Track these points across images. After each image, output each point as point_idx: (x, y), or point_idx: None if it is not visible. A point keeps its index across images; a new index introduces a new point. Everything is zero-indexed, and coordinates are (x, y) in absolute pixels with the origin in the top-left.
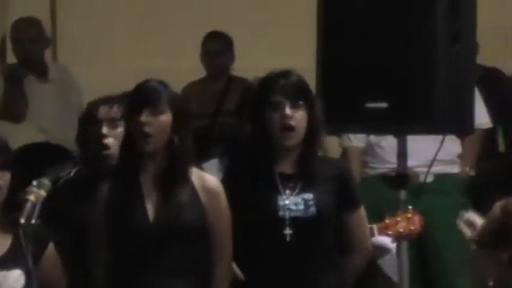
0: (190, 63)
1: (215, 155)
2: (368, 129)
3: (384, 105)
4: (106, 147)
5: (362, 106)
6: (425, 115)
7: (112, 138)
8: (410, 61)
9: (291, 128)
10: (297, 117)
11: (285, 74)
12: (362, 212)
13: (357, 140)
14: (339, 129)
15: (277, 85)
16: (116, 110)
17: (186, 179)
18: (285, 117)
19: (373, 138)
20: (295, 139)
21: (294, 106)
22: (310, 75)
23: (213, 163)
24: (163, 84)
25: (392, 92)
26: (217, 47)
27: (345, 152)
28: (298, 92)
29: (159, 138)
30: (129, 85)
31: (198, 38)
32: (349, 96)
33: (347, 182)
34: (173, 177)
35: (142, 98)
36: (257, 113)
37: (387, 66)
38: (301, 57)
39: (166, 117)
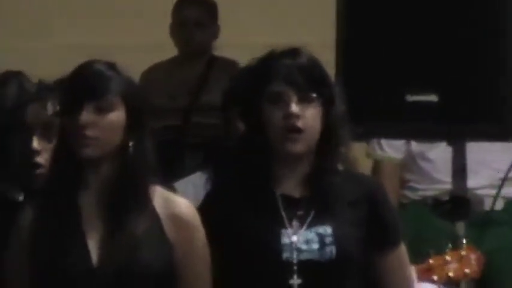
0: (155, 38)
1: (191, 168)
2: (409, 134)
3: (432, 99)
4: (37, 166)
5: (401, 100)
6: (492, 114)
7: (47, 154)
8: (470, 41)
9: (298, 130)
10: (307, 115)
11: (292, 53)
12: (402, 251)
13: (393, 149)
14: (367, 134)
15: (280, 69)
16: (51, 110)
17: (144, 202)
18: (289, 115)
19: (416, 146)
20: (302, 145)
21: (304, 100)
22: (327, 56)
23: (189, 180)
24: (113, 67)
25: (446, 82)
26: (194, 16)
27: (376, 166)
28: (310, 80)
29: (107, 145)
30: (68, 67)
31: (166, 3)
32: (382, 85)
33: (380, 209)
34: (126, 200)
35: (82, 87)
36: (251, 109)
37: (438, 46)
38: (314, 30)
39: (116, 115)
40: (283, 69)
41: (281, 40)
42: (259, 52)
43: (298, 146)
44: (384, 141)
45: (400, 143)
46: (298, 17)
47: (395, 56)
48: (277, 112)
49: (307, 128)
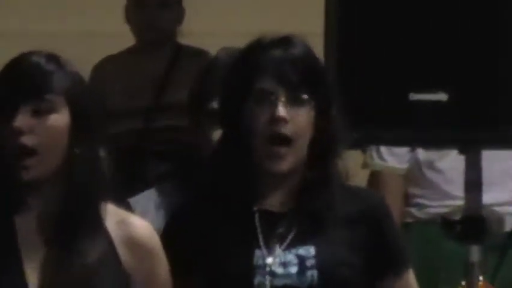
0: (108, 24)
1: (154, 181)
2: (414, 139)
3: (441, 97)
4: None
5: (403, 99)
6: None
7: None
8: (487, 29)
9: (285, 140)
10: (297, 120)
11: (283, 42)
12: (410, 279)
13: (395, 158)
14: (364, 139)
15: (266, 61)
16: None
17: (95, 224)
18: (276, 119)
19: (423, 154)
20: (289, 161)
21: (294, 101)
22: (317, 47)
23: (150, 196)
24: (54, 60)
25: (457, 77)
26: None
27: (375, 178)
28: (305, 76)
29: (48, 156)
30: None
31: None
32: (381, 82)
33: (383, 229)
34: (72, 222)
35: (16, 85)
36: (228, 110)
37: (448, 35)
38: (302, 17)
39: (59, 118)
40: (271, 61)
41: (265, 28)
42: (238, 42)
43: (285, 164)
44: (383, 149)
45: (403, 151)
46: (286, 3)
47: (396, 47)
48: (262, 115)
49: (296, 136)
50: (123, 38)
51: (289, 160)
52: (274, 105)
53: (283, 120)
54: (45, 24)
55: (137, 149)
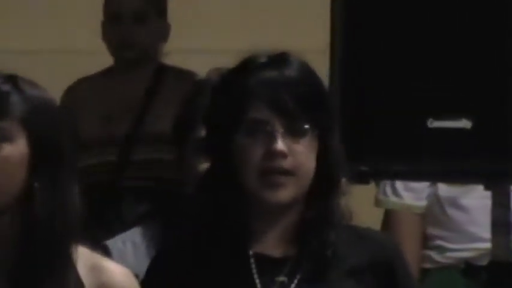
0: (81, 42)
1: (130, 221)
2: (434, 173)
3: (465, 125)
4: None
5: (422, 127)
6: None
7: None
8: None
9: (283, 172)
10: (298, 153)
11: (278, 61)
12: None
13: (412, 195)
14: (376, 173)
15: (259, 85)
16: None
17: (63, 271)
18: (273, 153)
19: (444, 190)
20: (289, 191)
21: (293, 132)
22: (319, 66)
23: (127, 238)
24: (11, 80)
25: (482, 102)
26: (132, 7)
27: (390, 217)
28: (303, 103)
29: (2, 191)
30: None
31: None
32: (395, 107)
33: (396, 280)
34: (35, 268)
35: None
36: (216, 141)
37: (470, 54)
38: (303, 32)
39: (14, 149)
40: (265, 86)
41: (260, 44)
42: (231, 60)
43: (284, 194)
44: (399, 184)
45: (421, 186)
46: (284, 16)
47: (412, 67)
48: (256, 148)
49: (297, 170)
50: (97, 55)
51: (289, 190)
52: (271, 138)
53: (281, 155)
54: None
55: (112, 184)
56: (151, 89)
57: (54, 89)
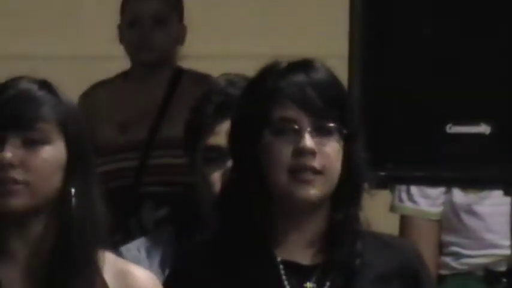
0: (100, 47)
1: (148, 229)
2: (451, 179)
3: (483, 130)
4: None
5: (439, 132)
6: None
7: None
8: None
9: (313, 171)
10: (326, 152)
11: (304, 66)
12: None
13: (428, 201)
14: (391, 179)
15: (287, 86)
16: None
17: (91, 276)
18: (302, 151)
19: (459, 196)
20: (318, 190)
21: (321, 130)
22: (338, 73)
23: (141, 245)
24: (45, 86)
25: (501, 107)
26: (152, 9)
27: (405, 224)
28: (330, 103)
29: (39, 194)
30: None
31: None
32: (412, 112)
33: (422, 285)
34: (66, 274)
35: (4, 114)
36: (242, 142)
37: (490, 57)
38: (322, 39)
39: (53, 150)
40: (293, 85)
41: (282, 50)
42: (248, 65)
43: (313, 191)
44: (415, 189)
45: (438, 192)
46: (303, 21)
47: (431, 72)
48: (285, 147)
49: (326, 169)
50: (117, 62)
51: (318, 188)
52: (299, 136)
53: (310, 153)
54: (35, 47)
55: (131, 190)
56: (168, 93)
57: (73, 95)
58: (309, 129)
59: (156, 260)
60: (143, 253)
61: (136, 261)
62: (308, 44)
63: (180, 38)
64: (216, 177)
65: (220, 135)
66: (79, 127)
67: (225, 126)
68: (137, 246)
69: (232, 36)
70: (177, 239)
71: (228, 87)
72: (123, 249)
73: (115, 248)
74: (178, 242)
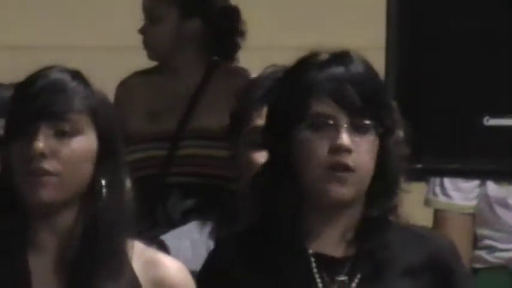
0: (129, 37)
1: (176, 219)
2: (485, 172)
3: None
4: None
5: (475, 125)
6: None
7: None
8: None
9: (346, 169)
10: (360, 150)
11: (341, 59)
12: None
13: (462, 194)
14: (426, 172)
15: (324, 81)
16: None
17: (119, 265)
18: (339, 148)
19: (495, 190)
20: (351, 189)
21: (357, 128)
22: (375, 64)
23: (182, 234)
24: (77, 76)
25: None
26: (147, 9)
27: (439, 218)
28: (367, 99)
29: (70, 185)
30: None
31: None
32: (448, 105)
33: (452, 280)
34: (95, 264)
35: (38, 103)
36: (276, 136)
37: None
38: (365, 29)
39: (85, 141)
40: (331, 80)
41: (317, 42)
42: (290, 57)
43: (346, 191)
44: (448, 183)
45: (471, 186)
46: (340, 13)
47: (468, 64)
48: (320, 143)
49: (359, 167)
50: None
51: (351, 187)
52: (336, 132)
53: (346, 150)
54: (62, 38)
55: (159, 180)
56: (201, 84)
57: (107, 85)
58: (345, 125)
59: (201, 250)
60: (186, 243)
61: (177, 251)
62: (345, 35)
63: (183, 34)
64: (262, 159)
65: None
66: (110, 118)
67: None
68: (178, 235)
69: (270, 27)
70: (218, 229)
71: (274, 74)
72: (164, 237)
73: (141, 237)
74: (219, 232)
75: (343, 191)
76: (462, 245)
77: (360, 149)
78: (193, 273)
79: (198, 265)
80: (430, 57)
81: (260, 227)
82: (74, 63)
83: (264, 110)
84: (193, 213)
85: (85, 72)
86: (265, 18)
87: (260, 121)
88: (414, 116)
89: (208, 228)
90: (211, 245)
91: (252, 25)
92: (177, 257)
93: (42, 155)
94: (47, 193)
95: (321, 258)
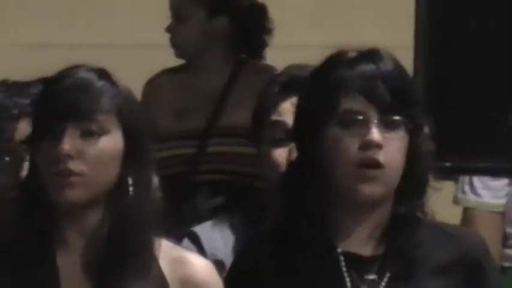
0: (154, 35)
1: (204, 216)
2: None
3: None
4: None
5: (504, 124)
6: None
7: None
8: None
9: (377, 165)
10: (390, 146)
11: (369, 56)
12: None
13: (491, 193)
14: (455, 170)
15: (354, 78)
16: (24, 129)
17: (147, 263)
18: (369, 143)
19: None
20: (381, 187)
21: (387, 124)
22: (403, 62)
23: (216, 225)
24: (104, 75)
25: None
26: (175, 8)
27: (468, 216)
28: (398, 96)
29: (97, 185)
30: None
31: None
32: (477, 103)
33: (483, 277)
34: (123, 262)
35: (65, 103)
36: (306, 133)
37: None
38: (393, 27)
39: (111, 141)
40: (361, 77)
41: (344, 41)
42: (319, 55)
43: (376, 189)
44: (478, 181)
45: (501, 184)
46: (368, 11)
47: (495, 63)
48: (350, 140)
49: (389, 164)
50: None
51: (380, 185)
52: (366, 128)
53: (376, 146)
54: (90, 36)
55: (187, 177)
56: (229, 82)
57: (134, 83)
58: (375, 121)
59: (229, 244)
60: (217, 232)
61: (211, 240)
62: (373, 33)
63: (210, 32)
64: (281, 155)
65: (284, 113)
66: (136, 116)
67: (288, 105)
68: (210, 225)
69: (297, 26)
70: (247, 227)
71: (293, 69)
72: (196, 229)
73: (169, 235)
74: (246, 230)
75: (373, 189)
76: (491, 244)
77: (390, 145)
78: (222, 265)
79: (227, 258)
80: (458, 56)
81: (288, 226)
82: (99, 62)
83: (281, 106)
84: (222, 210)
85: (111, 70)
86: (292, 17)
87: (277, 117)
88: (442, 115)
89: (238, 226)
90: (238, 242)
91: (279, 23)
92: (211, 245)
93: (69, 157)
94: (73, 193)
95: (349, 257)
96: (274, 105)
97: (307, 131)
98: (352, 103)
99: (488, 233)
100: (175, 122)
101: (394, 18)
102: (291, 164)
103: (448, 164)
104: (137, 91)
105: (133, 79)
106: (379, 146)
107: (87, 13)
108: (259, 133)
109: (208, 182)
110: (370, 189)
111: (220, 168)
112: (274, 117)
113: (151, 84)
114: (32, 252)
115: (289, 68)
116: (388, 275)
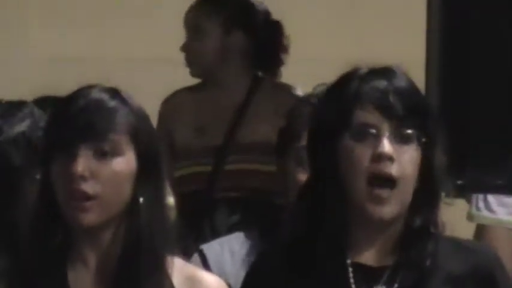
0: (172, 49)
1: (224, 230)
2: None
3: None
4: None
5: None
6: None
7: None
8: None
9: (389, 181)
10: (404, 159)
11: (385, 72)
12: None
13: (506, 209)
14: (469, 187)
15: (368, 92)
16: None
17: (160, 282)
18: (379, 157)
19: None
20: (393, 206)
21: (400, 137)
22: (416, 78)
23: (223, 243)
24: (117, 95)
25: None
26: (191, 23)
27: (482, 232)
28: (410, 110)
29: (111, 206)
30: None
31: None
32: (490, 118)
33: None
34: (136, 281)
35: (77, 124)
36: (320, 147)
37: None
38: (398, 44)
39: (125, 162)
40: (375, 91)
41: (357, 56)
42: (332, 69)
43: (388, 209)
44: (492, 198)
45: None
46: (381, 27)
47: (509, 79)
48: (363, 152)
49: (401, 178)
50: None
51: (393, 205)
52: (378, 141)
53: (388, 158)
54: (110, 50)
55: (206, 195)
56: (247, 100)
57: (150, 97)
58: (387, 134)
59: (240, 261)
60: (226, 251)
61: (219, 258)
62: (387, 48)
63: (227, 48)
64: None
65: None
66: (150, 136)
67: None
68: (219, 242)
69: (310, 40)
70: (261, 242)
71: (321, 88)
72: (204, 247)
73: (187, 252)
74: (262, 245)
75: (384, 211)
76: (506, 260)
77: (402, 158)
78: (229, 286)
79: (236, 277)
80: (471, 71)
81: (303, 240)
82: (118, 75)
83: None
84: (240, 227)
85: (130, 84)
86: (306, 31)
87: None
88: (455, 131)
89: (250, 241)
90: (248, 260)
91: (296, 38)
92: (218, 264)
93: (82, 178)
94: (88, 217)
95: (358, 267)
96: (306, 127)
97: (322, 145)
98: (366, 116)
99: (503, 250)
100: (194, 139)
101: (407, 32)
102: (307, 179)
103: (460, 181)
104: (155, 104)
105: (152, 92)
106: (390, 159)
107: (106, 27)
108: (285, 152)
109: (227, 199)
110: (381, 212)
111: (239, 185)
112: (304, 142)
113: (170, 103)
114: (43, 267)
115: (317, 88)
116: (396, 285)
